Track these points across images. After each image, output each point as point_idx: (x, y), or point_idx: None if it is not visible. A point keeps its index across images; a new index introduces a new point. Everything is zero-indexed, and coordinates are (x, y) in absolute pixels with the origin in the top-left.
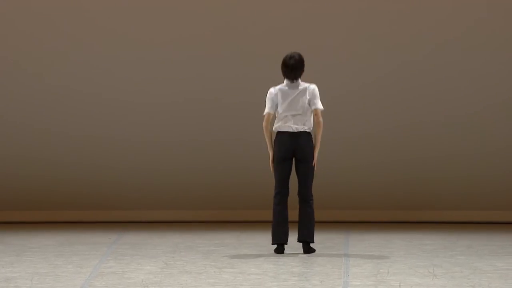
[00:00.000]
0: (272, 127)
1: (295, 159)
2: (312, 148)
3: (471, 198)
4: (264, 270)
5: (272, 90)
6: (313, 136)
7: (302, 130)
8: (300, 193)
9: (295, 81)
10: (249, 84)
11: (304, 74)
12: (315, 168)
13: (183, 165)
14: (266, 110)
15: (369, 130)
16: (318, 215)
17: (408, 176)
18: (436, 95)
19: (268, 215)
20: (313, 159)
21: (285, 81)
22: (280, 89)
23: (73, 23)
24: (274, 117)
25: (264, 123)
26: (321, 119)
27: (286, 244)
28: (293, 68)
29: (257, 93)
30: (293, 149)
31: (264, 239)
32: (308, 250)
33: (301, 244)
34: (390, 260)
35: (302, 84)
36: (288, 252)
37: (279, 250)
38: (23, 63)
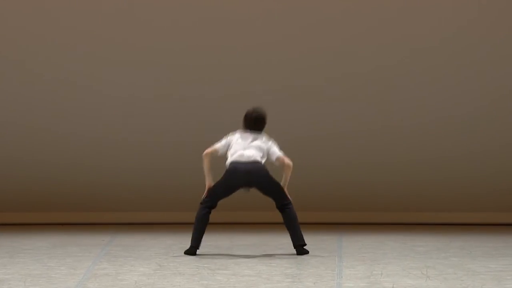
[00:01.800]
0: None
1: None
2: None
3: (464, 200)
4: (257, 272)
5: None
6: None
7: (256, 159)
8: (277, 206)
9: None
10: (248, 87)
11: (308, 73)
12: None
13: (176, 166)
14: (217, 145)
15: (363, 132)
16: (311, 216)
17: (401, 178)
18: (430, 97)
19: (262, 216)
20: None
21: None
22: (240, 133)
23: (76, 24)
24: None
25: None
26: (288, 161)
27: (198, 248)
28: (256, 121)
29: (256, 96)
30: (248, 180)
31: (257, 241)
32: (301, 252)
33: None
34: (383, 261)
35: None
36: (281, 253)
37: (191, 252)
38: (22, 64)
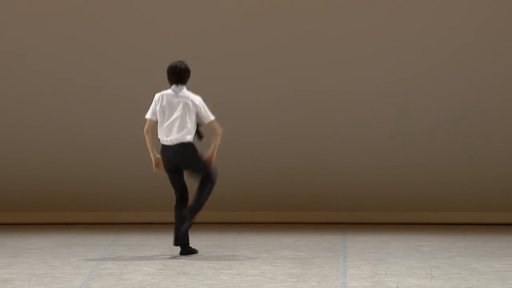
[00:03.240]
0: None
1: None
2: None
3: (469, 200)
4: (262, 271)
5: (156, 95)
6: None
7: (179, 142)
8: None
9: (180, 85)
10: (251, 85)
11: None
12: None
13: None
14: (148, 116)
15: (368, 133)
16: (316, 216)
17: (405, 178)
18: (436, 99)
19: (266, 216)
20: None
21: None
22: (165, 95)
23: (83, 25)
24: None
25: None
26: (218, 130)
27: (188, 243)
28: (180, 72)
29: (257, 93)
30: (175, 163)
31: (261, 241)
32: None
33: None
34: (388, 261)
35: (186, 93)
36: (285, 253)
37: (183, 251)
38: (22, 63)
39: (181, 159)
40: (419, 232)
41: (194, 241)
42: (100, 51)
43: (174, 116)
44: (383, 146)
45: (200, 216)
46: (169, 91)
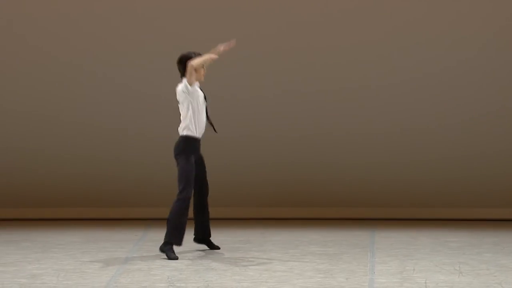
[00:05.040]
0: None
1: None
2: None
3: (498, 195)
4: (289, 267)
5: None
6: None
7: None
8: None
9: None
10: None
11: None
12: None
13: (207, 163)
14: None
15: (396, 128)
16: (344, 212)
17: (434, 174)
18: (459, 95)
19: (293, 212)
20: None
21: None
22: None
23: (100, 24)
24: None
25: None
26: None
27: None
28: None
29: (274, 90)
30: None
31: (289, 236)
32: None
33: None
34: (416, 257)
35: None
36: (313, 249)
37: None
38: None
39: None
40: (447, 228)
41: (221, 236)
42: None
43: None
44: (412, 142)
45: (228, 212)
46: None
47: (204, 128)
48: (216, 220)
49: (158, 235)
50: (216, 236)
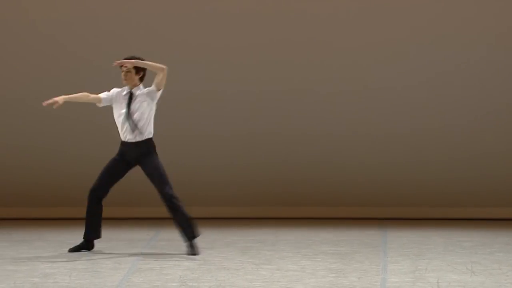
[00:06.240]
0: None
1: None
2: None
3: (510, 195)
4: (301, 267)
5: None
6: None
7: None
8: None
9: None
10: (276, 82)
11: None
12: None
13: (220, 162)
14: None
15: (408, 129)
16: (356, 211)
17: (446, 174)
18: (471, 94)
19: (305, 211)
20: None
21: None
22: None
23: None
24: None
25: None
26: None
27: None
28: None
29: (300, 90)
30: None
31: (301, 236)
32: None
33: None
34: (428, 257)
35: None
36: (325, 248)
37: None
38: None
39: None
40: (459, 228)
41: (234, 236)
42: (136, 43)
43: None
44: (423, 142)
45: (239, 211)
46: None
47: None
48: (228, 220)
49: (170, 235)
50: (228, 236)
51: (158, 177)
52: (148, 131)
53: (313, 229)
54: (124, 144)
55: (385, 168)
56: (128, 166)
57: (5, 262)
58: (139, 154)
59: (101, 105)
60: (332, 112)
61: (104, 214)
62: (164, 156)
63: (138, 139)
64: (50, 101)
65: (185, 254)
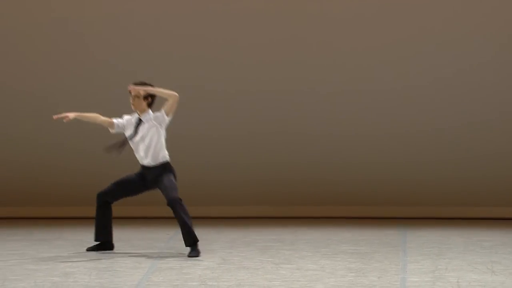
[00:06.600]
0: None
1: None
2: None
3: None
4: (321, 266)
5: None
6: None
7: None
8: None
9: None
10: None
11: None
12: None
13: (239, 161)
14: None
15: (427, 128)
16: (376, 211)
17: (466, 173)
18: (489, 95)
19: (325, 211)
20: None
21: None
22: None
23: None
24: None
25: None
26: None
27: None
28: None
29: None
30: None
31: (321, 235)
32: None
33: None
34: (448, 256)
35: None
36: (345, 248)
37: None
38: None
39: None
40: (480, 227)
41: (253, 235)
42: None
43: None
44: (443, 142)
45: (259, 210)
46: None
47: (138, 156)
48: (248, 219)
49: None
50: (248, 235)
51: (168, 184)
52: (162, 156)
53: (332, 228)
54: (142, 167)
55: (404, 167)
56: (145, 186)
57: (26, 261)
58: (157, 175)
59: (113, 131)
60: (349, 113)
61: (124, 214)
62: (176, 156)
63: (153, 163)
64: (61, 115)
65: (204, 253)
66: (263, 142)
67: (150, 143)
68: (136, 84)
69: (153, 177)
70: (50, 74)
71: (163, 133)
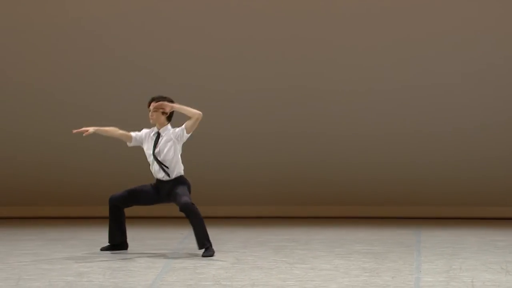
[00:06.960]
0: None
1: None
2: None
3: None
4: (335, 266)
5: None
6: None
7: None
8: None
9: None
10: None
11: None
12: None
13: (254, 160)
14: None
15: (441, 129)
16: (390, 211)
17: (481, 173)
18: (500, 96)
19: (338, 210)
20: None
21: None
22: None
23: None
24: None
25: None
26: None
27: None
28: None
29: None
30: None
31: (334, 235)
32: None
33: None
34: (462, 256)
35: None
36: (359, 247)
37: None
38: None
39: None
40: (494, 227)
41: (267, 235)
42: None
43: None
44: (457, 143)
45: (272, 210)
46: None
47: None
48: (262, 219)
49: None
50: (261, 235)
51: (181, 192)
52: (177, 171)
53: (346, 228)
54: (157, 180)
55: (418, 168)
56: (158, 199)
57: (40, 261)
58: (171, 189)
59: (131, 144)
60: (363, 112)
61: (139, 213)
62: (199, 156)
63: (167, 178)
64: (81, 130)
65: (218, 253)
66: (274, 141)
67: (165, 158)
68: (155, 99)
69: (167, 191)
70: (67, 73)
71: (179, 149)
